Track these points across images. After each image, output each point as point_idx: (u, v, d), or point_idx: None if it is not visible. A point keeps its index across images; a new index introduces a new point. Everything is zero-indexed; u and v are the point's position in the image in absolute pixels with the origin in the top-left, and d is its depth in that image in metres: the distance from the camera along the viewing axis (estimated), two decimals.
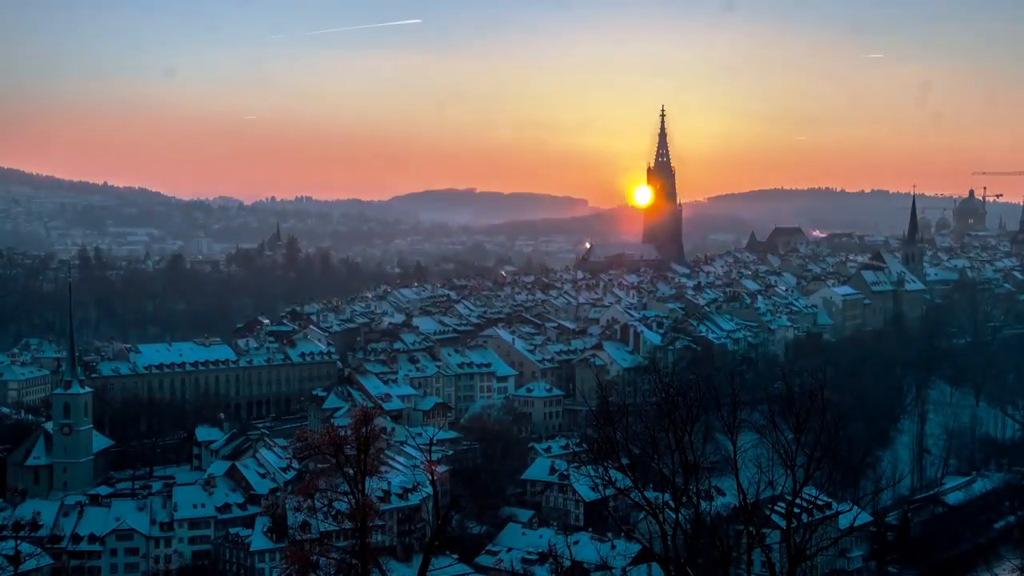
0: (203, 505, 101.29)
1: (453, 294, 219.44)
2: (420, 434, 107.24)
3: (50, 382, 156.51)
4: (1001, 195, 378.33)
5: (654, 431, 36.61)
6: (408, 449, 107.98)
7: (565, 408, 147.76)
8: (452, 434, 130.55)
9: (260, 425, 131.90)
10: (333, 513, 43.79)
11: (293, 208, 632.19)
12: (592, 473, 44.61)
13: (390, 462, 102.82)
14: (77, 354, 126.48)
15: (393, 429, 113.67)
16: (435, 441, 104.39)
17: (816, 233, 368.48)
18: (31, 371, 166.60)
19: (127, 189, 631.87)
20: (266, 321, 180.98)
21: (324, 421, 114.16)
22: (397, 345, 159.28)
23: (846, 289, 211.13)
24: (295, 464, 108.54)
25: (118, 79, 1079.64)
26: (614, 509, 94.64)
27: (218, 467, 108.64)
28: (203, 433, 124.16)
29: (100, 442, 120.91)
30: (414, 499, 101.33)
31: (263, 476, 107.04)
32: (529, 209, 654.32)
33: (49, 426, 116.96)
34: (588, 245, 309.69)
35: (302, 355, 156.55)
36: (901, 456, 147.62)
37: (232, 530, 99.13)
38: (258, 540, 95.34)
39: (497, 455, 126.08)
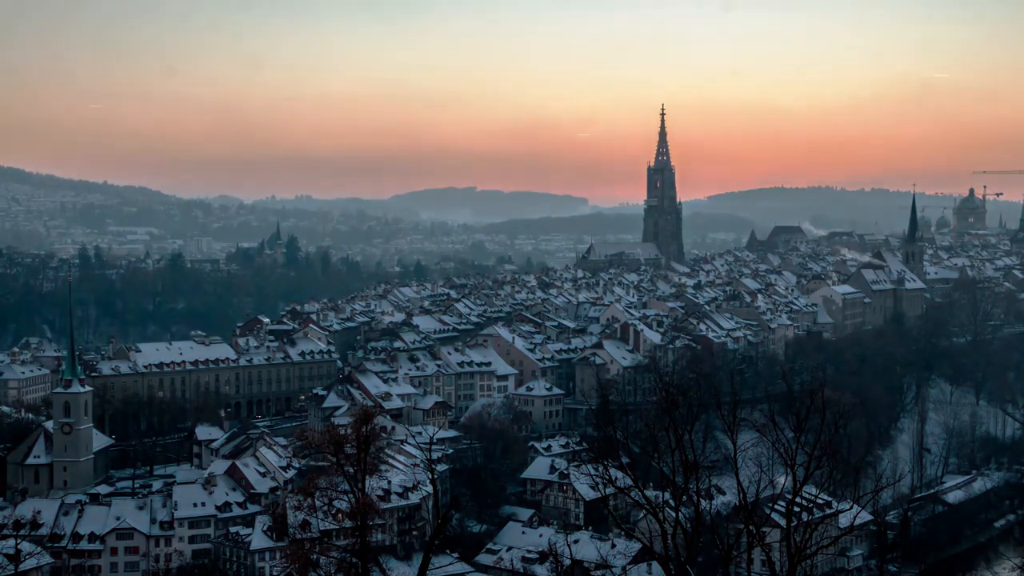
0: (203, 504, 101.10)
1: (453, 293, 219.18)
2: (420, 433, 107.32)
3: (50, 381, 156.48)
4: (1001, 194, 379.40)
5: (654, 430, 36.66)
6: (408, 448, 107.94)
7: (565, 407, 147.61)
8: (452, 433, 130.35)
9: (260, 424, 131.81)
10: (333, 512, 43.82)
11: (293, 207, 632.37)
12: (592, 472, 44.70)
13: (390, 461, 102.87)
14: (77, 353, 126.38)
15: (393, 428, 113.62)
16: (435, 440, 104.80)
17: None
18: (31, 370, 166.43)
19: (127, 188, 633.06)
20: (266, 320, 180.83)
21: (324, 420, 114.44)
22: (397, 344, 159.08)
23: (846, 288, 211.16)
24: (295, 463, 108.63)
25: (118, 79, 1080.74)
26: (614, 508, 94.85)
27: (218, 466, 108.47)
28: (203, 432, 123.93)
29: (100, 441, 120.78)
30: (414, 498, 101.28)
31: (263, 475, 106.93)
32: (529, 208, 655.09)
33: (49, 425, 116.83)
34: (588, 244, 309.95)
35: (302, 354, 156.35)
36: (901, 455, 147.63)
37: (232, 529, 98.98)
38: (258, 539, 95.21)
39: (497, 454, 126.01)
